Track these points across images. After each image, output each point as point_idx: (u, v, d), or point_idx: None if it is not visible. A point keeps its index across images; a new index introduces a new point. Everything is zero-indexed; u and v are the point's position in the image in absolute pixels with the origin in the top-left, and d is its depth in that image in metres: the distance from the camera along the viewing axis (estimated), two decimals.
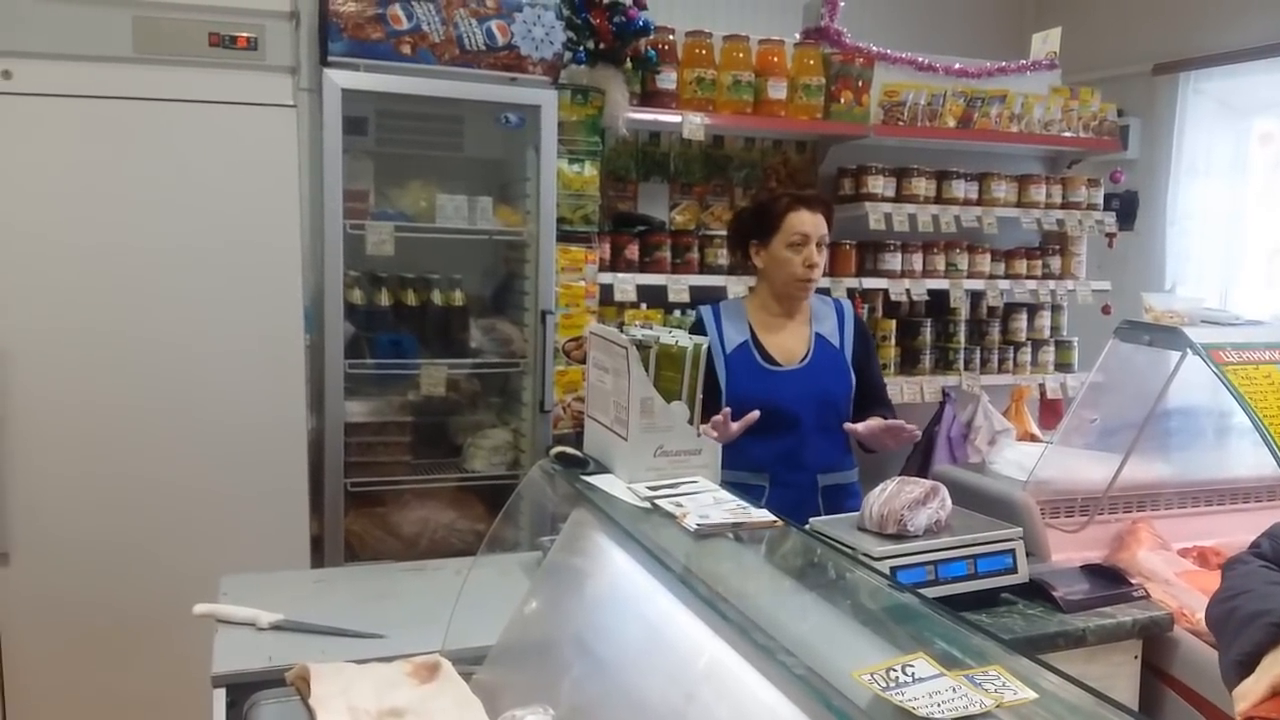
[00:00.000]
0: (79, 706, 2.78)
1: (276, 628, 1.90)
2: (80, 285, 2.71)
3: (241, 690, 1.67)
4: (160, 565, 2.77)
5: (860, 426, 2.49)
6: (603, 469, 1.63)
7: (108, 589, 2.77)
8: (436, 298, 3.24)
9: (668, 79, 3.44)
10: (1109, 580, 2.29)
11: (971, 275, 3.93)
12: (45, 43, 2.62)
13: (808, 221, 2.54)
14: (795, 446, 2.55)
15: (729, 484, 1.55)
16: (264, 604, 1.95)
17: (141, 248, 2.75)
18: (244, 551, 2.78)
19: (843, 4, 3.76)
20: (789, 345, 2.62)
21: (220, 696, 1.68)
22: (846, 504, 2.58)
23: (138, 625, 2.76)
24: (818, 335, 2.64)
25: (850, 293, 3.71)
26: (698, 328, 2.64)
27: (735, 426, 2.33)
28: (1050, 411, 4.09)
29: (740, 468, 2.42)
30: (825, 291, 3.55)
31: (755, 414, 2.36)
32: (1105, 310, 4.10)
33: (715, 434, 2.31)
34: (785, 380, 2.57)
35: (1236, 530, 2.67)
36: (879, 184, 3.73)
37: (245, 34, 2.74)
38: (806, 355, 2.61)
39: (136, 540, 2.79)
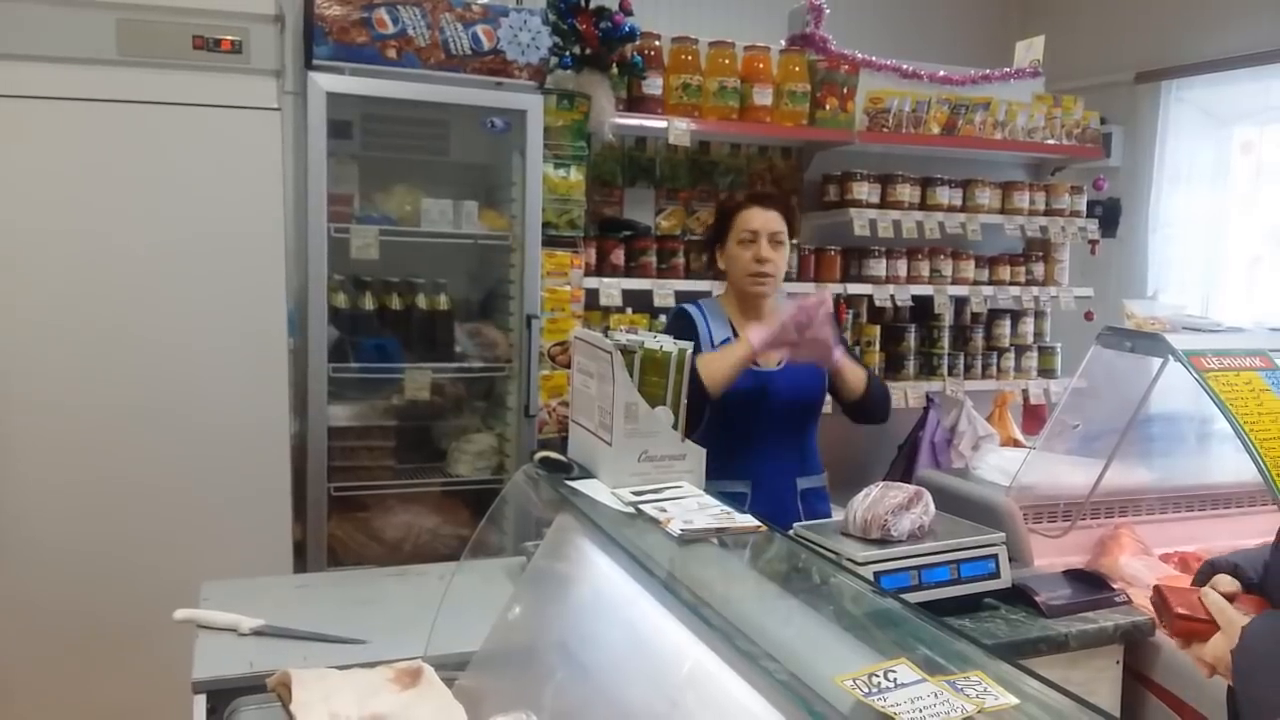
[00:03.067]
0: (58, 712, 2.75)
1: (258, 633, 1.89)
2: (61, 288, 2.70)
3: (222, 696, 1.66)
4: (141, 570, 2.75)
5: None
6: (587, 474, 1.63)
7: (87, 594, 2.75)
8: (421, 302, 3.23)
9: (654, 84, 3.44)
10: (1091, 585, 2.30)
11: (955, 281, 3.95)
12: (28, 44, 2.60)
13: (757, 218, 2.55)
14: (775, 449, 2.57)
15: (710, 493, 1.55)
16: (245, 609, 1.94)
17: (124, 250, 2.73)
18: (225, 556, 2.76)
19: (828, 11, 3.77)
20: None
21: (200, 703, 1.67)
22: (820, 508, 2.60)
23: (118, 630, 2.74)
24: None
25: (835, 298, 3.72)
26: (685, 323, 2.61)
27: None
28: (1033, 417, 4.11)
29: (721, 476, 2.40)
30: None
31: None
32: (1088, 316, 4.13)
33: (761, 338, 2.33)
34: (771, 379, 2.58)
35: (1218, 535, 2.69)
36: (864, 190, 3.74)
37: (229, 37, 2.73)
38: (782, 357, 2.61)
39: (117, 545, 2.77)
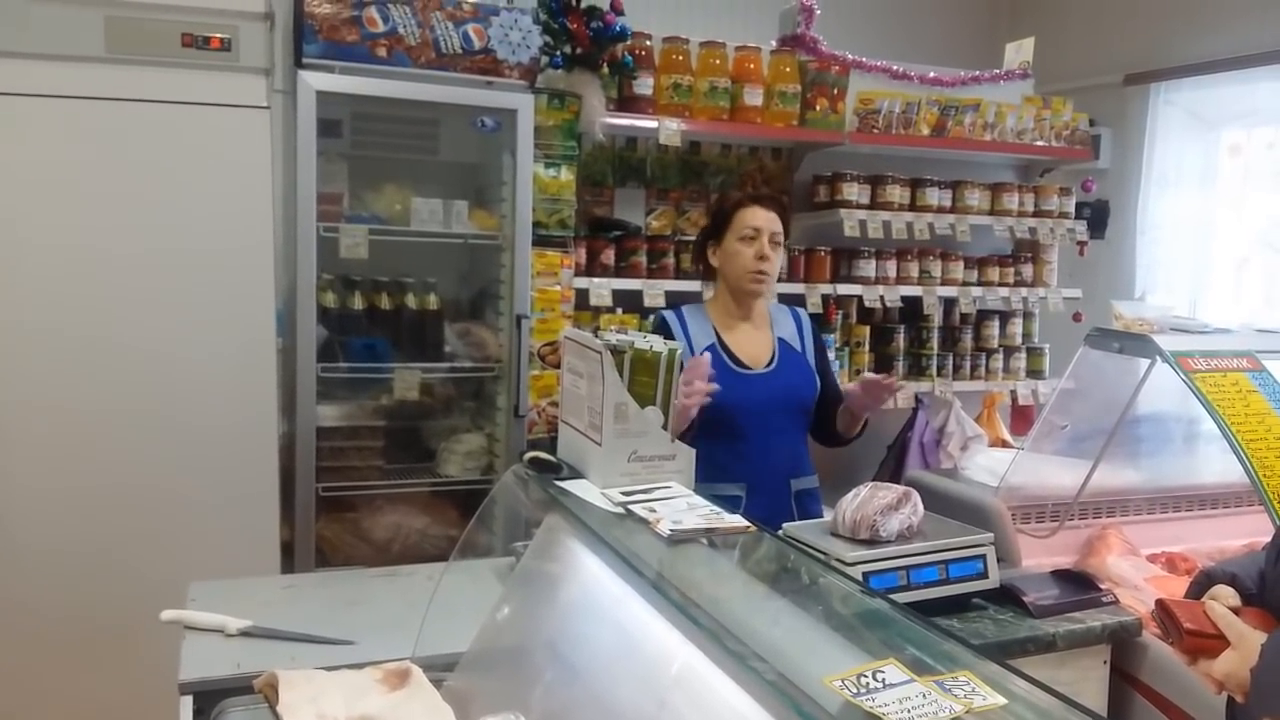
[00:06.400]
0: (45, 712, 2.74)
1: (245, 634, 1.88)
2: (47, 287, 2.68)
3: (209, 697, 1.65)
4: (128, 570, 2.74)
5: (852, 385, 2.54)
6: (576, 474, 1.63)
7: (74, 594, 2.73)
8: (411, 301, 3.23)
9: (644, 84, 3.44)
10: (1079, 586, 2.31)
11: (945, 282, 3.96)
12: (16, 41, 2.58)
13: (760, 216, 2.55)
14: (768, 451, 2.54)
15: (705, 497, 1.54)
16: (233, 610, 1.93)
17: (112, 249, 2.72)
18: (213, 557, 2.74)
19: (819, 12, 3.77)
20: (753, 349, 2.61)
21: (187, 704, 1.66)
22: (813, 509, 2.60)
23: (104, 631, 2.73)
24: (780, 340, 2.65)
25: (824, 299, 3.73)
26: (661, 331, 2.58)
27: (703, 389, 2.28)
28: (1021, 418, 4.12)
29: (715, 479, 2.39)
30: (800, 300, 3.58)
31: (713, 384, 2.34)
32: (1076, 318, 4.14)
33: (687, 394, 2.24)
34: (756, 383, 2.57)
35: (1205, 536, 2.70)
36: (854, 191, 3.75)
37: (219, 35, 2.72)
38: (772, 359, 2.61)
39: (104, 545, 2.75)
